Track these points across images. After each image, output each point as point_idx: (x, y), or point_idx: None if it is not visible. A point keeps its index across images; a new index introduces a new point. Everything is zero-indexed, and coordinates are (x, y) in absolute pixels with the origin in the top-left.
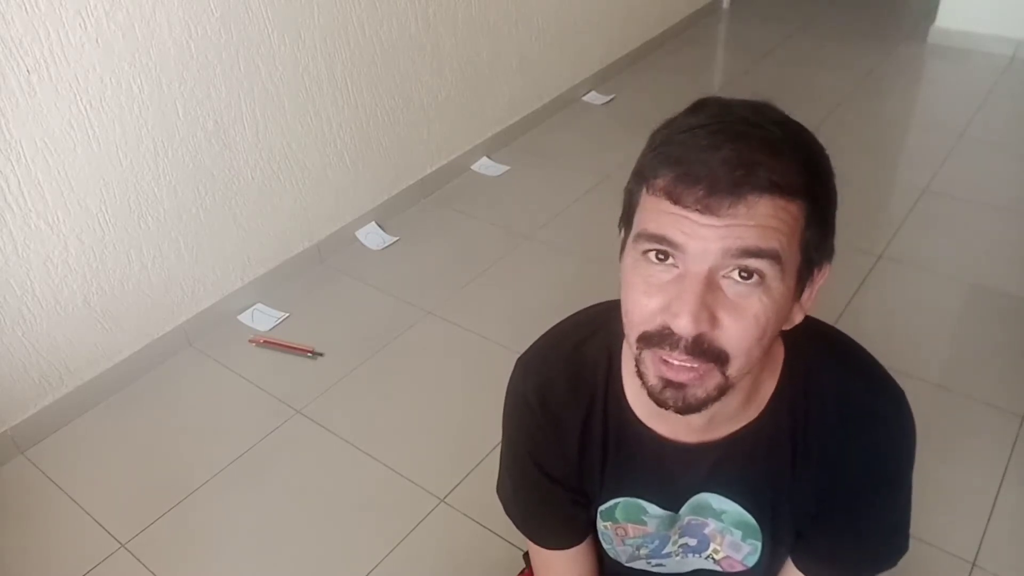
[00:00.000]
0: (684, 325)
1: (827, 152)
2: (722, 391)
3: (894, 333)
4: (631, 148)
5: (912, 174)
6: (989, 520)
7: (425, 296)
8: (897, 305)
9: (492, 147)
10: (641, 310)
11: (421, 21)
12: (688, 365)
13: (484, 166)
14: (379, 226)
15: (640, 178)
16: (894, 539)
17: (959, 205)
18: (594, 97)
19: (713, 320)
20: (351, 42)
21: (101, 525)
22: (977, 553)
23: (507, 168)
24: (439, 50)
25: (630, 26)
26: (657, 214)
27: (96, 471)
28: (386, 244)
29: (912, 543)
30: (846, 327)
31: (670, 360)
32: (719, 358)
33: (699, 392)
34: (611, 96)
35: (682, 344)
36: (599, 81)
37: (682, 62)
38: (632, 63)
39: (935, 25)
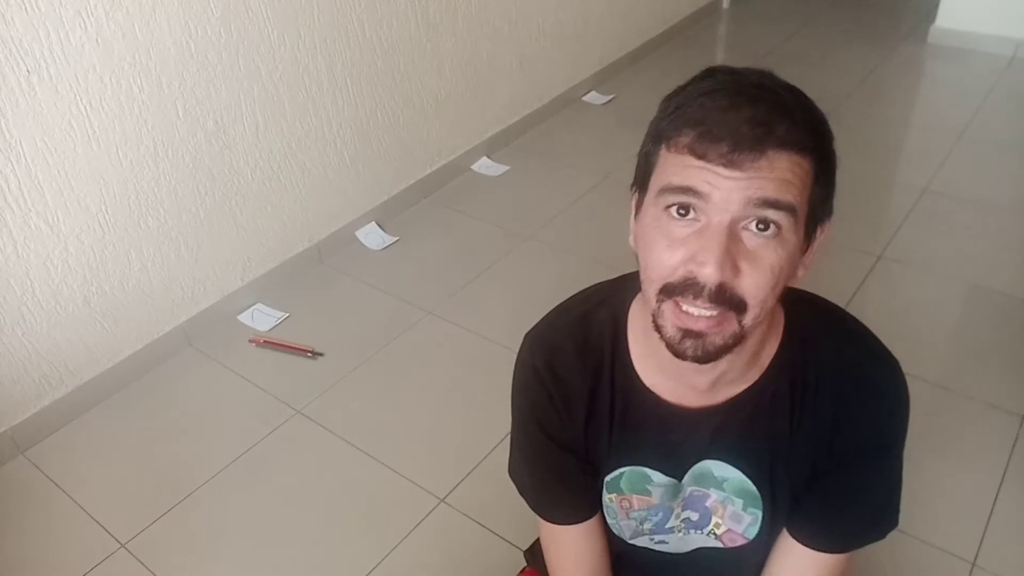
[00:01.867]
0: (710, 273)
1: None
2: (738, 340)
3: (894, 333)
4: (631, 148)
5: (912, 174)
6: (989, 520)
7: (425, 296)
8: (897, 305)
9: (492, 147)
10: (663, 265)
11: (421, 21)
12: (707, 314)
13: (484, 166)
14: (379, 226)
15: (659, 139)
16: (885, 510)
17: (959, 205)
18: (594, 97)
19: (735, 269)
20: (351, 42)
21: (101, 525)
22: (977, 553)
23: (507, 168)
24: (439, 50)
25: (630, 26)
26: (681, 168)
27: (96, 471)
28: (386, 244)
29: (912, 543)
30: None
31: (690, 310)
32: (738, 306)
33: (717, 339)
34: (611, 96)
35: (705, 292)
36: (599, 81)
37: (682, 62)
38: (632, 63)
39: (935, 25)
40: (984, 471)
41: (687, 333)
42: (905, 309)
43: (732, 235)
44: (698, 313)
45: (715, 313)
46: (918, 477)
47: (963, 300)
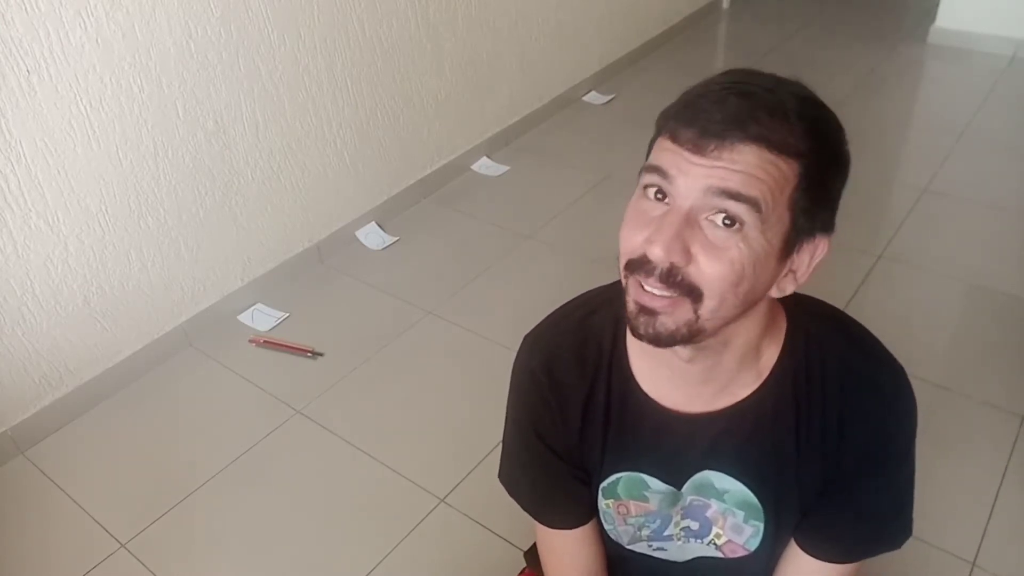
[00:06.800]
0: (657, 253)
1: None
2: (692, 329)
3: (894, 333)
4: (631, 148)
5: (912, 174)
6: (989, 520)
7: (425, 296)
8: (897, 305)
9: (492, 147)
10: (629, 241)
11: (421, 21)
12: (660, 293)
13: (484, 166)
14: (379, 226)
15: (659, 126)
16: (899, 518)
17: (959, 205)
18: (594, 97)
19: (687, 254)
20: (351, 42)
21: (101, 525)
22: (977, 553)
23: (507, 168)
24: (439, 50)
25: (630, 26)
26: (660, 151)
27: (96, 471)
28: (386, 244)
29: (912, 543)
30: None
31: (645, 286)
32: (691, 292)
33: (668, 322)
34: (611, 96)
35: (656, 272)
36: (599, 81)
37: (682, 62)
38: (632, 63)
39: (935, 25)
40: (984, 471)
41: (642, 309)
42: (905, 309)
43: (689, 221)
44: (650, 290)
45: (667, 295)
46: (918, 477)
47: (963, 300)
